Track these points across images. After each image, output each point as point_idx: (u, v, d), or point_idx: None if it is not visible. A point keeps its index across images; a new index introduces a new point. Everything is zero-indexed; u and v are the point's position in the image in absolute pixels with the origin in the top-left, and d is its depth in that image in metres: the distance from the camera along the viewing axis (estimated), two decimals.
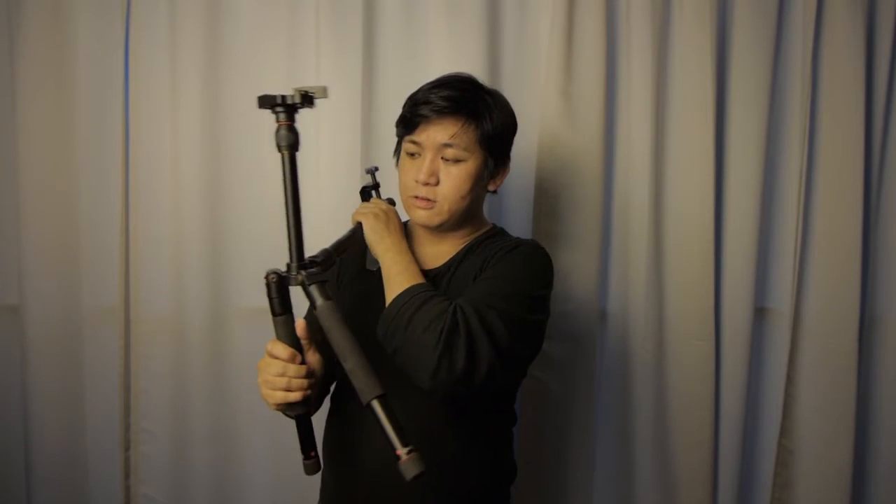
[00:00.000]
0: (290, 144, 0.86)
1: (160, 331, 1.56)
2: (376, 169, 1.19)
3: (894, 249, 1.69)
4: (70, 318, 1.55)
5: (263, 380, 0.91)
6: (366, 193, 1.18)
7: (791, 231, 1.67)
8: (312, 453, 0.97)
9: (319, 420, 1.18)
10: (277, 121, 0.86)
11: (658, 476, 1.67)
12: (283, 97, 0.85)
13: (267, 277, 0.87)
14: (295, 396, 0.90)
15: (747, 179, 1.61)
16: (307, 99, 0.86)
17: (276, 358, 0.90)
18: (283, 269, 0.88)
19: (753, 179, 1.61)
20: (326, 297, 0.86)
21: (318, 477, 1.20)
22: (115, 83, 1.52)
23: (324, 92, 0.87)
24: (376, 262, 1.10)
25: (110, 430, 1.59)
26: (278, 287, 0.87)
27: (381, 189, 1.19)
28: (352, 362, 0.82)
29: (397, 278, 0.99)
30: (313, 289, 0.86)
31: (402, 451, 0.77)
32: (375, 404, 0.79)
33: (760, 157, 1.61)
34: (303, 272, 0.86)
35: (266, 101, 0.85)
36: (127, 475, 1.60)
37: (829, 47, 1.61)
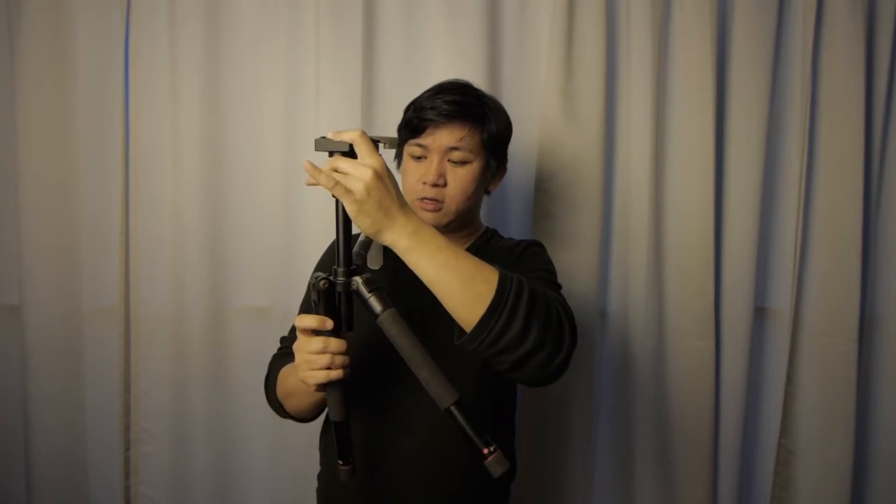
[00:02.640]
0: None
1: (160, 331, 1.56)
2: None
3: (894, 249, 1.69)
4: (70, 318, 1.55)
5: (303, 360, 0.85)
6: None
7: (791, 231, 1.67)
8: (351, 459, 0.93)
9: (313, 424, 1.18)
10: None
11: (658, 476, 1.67)
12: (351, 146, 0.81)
13: (318, 283, 0.82)
14: (337, 374, 0.85)
15: (747, 179, 1.62)
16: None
17: (307, 328, 0.84)
18: (320, 274, 0.83)
19: (753, 179, 1.61)
20: (387, 305, 0.81)
21: (316, 475, 1.20)
22: (115, 83, 1.52)
23: (392, 143, 0.85)
24: (379, 259, 1.09)
25: (110, 430, 1.59)
26: (328, 294, 0.83)
27: None
28: (427, 371, 0.79)
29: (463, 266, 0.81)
30: (373, 297, 0.81)
31: (487, 450, 0.77)
32: (454, 409, 0.78)
33: (760, 157, 1.61)
34: (357, 279, 0.82)
35: (323, 146, 0.81)
36: (127, 475, 1.60)
37: (829, 47, 1.61)
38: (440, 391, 0.79)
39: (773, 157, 1.65)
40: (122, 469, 1.60)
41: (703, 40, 1.55)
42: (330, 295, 0.83)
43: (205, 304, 1.55)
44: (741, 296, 1.64)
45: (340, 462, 0.93)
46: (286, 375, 1.04)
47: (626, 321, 1.65)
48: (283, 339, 1.20)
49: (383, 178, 0.77)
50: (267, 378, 1.15)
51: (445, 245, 0.81)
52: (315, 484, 1.21)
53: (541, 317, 0.80)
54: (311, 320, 0.83)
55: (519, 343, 0.78)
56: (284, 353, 1.15)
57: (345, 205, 0.77)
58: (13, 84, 1.47)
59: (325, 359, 0.84)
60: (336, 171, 0.77)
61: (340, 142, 0.79)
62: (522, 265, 1.07)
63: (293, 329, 1.12)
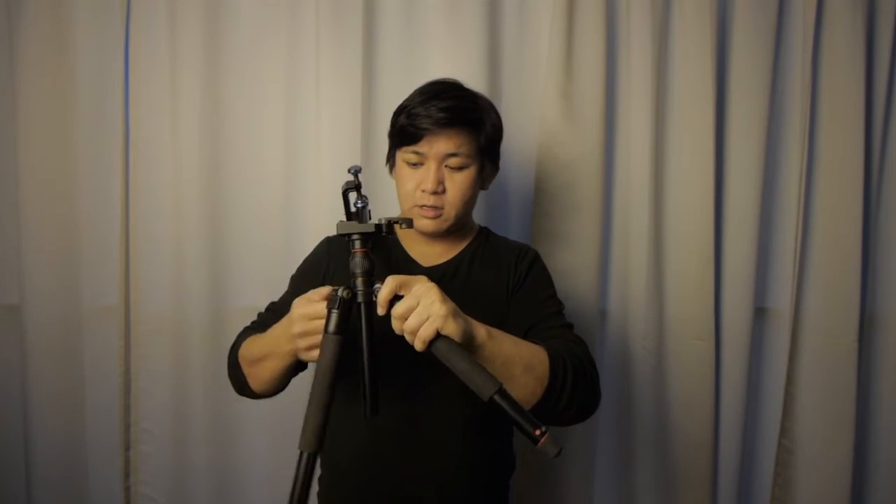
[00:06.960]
0: (364, 271, 0.86)
1: (160, 331, 1.56)
2: (360, 169, 1.17)
3: (894, 249, 1.69)
4: (70, 318, 1.55)
5: (302, 331, 0.88)
6: (347, 194, 1.16)
7: (791, 231, 1.67)
8: None
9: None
10: (352, 248, 0.87)
11: (658, 476, 1.68)
12: (378, 226, 0.88)
13: (338, 291, 0.84)
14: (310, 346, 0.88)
15: (747, 179, 1.62)
16: (390, 228, 0.89)
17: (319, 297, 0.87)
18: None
19: (753, 179, 1.61)
20: None
21: (317, 477, 1.20)
22: (115, 83, 1.52)
23: (409, 223, 0.92)
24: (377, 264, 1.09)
25: (110, 430, 1.59)
26: (347, 305, 0.85)
27: (361, 189, 1.17)
28: (464, 365, 0.81)
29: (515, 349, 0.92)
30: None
31: (538, 431, 0.79)
32: (498, 398, 0.80)
33: (760, 156, 1.61)
34: (378, 285, 0.85)
35: (343, 229, 0.88)
36: (127, 475, 1.60)
37: (829, 47, 1.61)
38: (481, 381, 0.81)
39: (773, 157, 1.65)
40: (122, 469, 1.60)
41: (703, 40, 1.55)
42: (349, 307, 0.85)
43: (205, 304, 1.55)
44: (741, 296, 1.64)
45: None
46: (255, 341, 1.02)
47: (626, 321, 1.65)
48: (267, 310, 1.17)
49: (444, 299, 0.83)
50: (232, 347, 1.11)
51: (503, 333, 0.91)
52: (315, 487, 1.21)
53: (581, 388, 0.95)
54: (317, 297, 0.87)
55: (567, 409, 0.94)
56: (255, 326, 1.12)
57: (440, 328, 0.81)
58: (13, 84, 1.47)
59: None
60: (402, 288, 0.83)
61: (365, 224, 0.88)
62: (529, 289, 1.10)
63: (275, 303, 1.14)
